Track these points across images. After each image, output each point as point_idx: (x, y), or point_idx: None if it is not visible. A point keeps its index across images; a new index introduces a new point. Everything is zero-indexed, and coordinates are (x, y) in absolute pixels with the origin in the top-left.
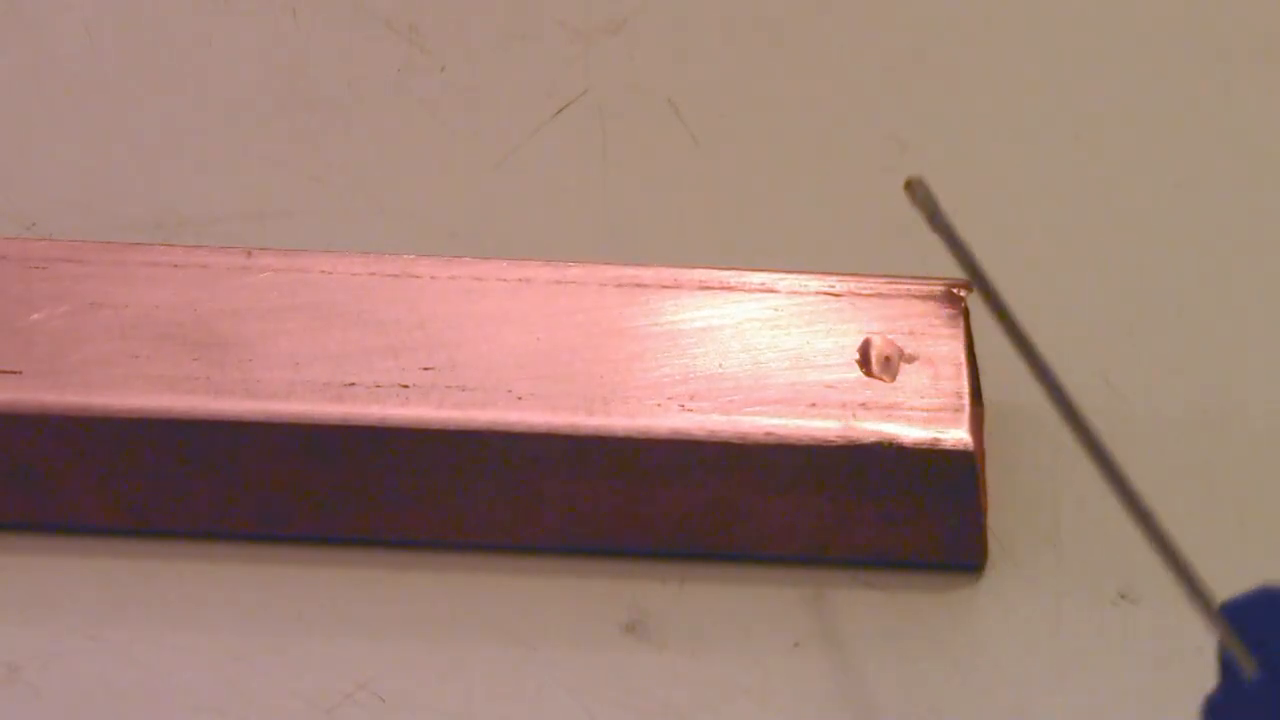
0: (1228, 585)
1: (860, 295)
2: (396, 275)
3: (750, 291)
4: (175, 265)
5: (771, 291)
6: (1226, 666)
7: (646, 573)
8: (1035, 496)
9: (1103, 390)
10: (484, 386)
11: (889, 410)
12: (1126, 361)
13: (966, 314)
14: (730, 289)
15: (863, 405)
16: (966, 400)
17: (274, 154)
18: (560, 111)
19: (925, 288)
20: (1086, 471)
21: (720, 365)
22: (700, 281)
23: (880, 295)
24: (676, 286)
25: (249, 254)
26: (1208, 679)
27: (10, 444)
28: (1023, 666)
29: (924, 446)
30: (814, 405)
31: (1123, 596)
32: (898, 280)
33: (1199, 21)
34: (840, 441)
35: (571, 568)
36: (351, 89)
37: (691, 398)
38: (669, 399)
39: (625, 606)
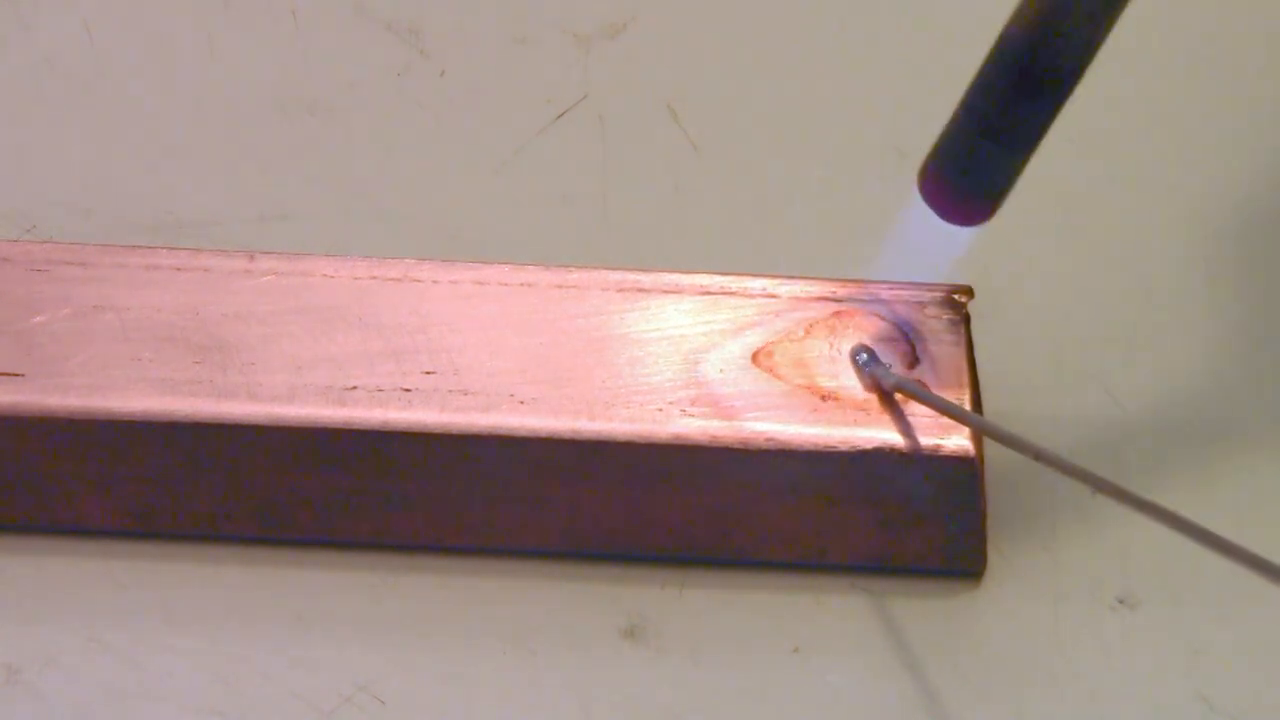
0: (1228, 590)
1: (861, 301)
2: (398, 279)
3: (751, 297)
4: (177, 268)
5: (773, 297)
6: None
7: (646, 578)
8: (1033, 503)
9: (1103, 401)
10: (485, 391)
11: (890, 416)
12: (1126, 372)
13: (967, 320)
14: (731, 294)
15: (864, 411)
16: (968, 406)
17: (275, 157)
18: (560, 116)
19: (926, 294)
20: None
21: (721, 370)
22: (702, 287)
23: (881, 301)
24: (678, 291)
25: (251, 257)
26: (1207, 684)
27: (12, 446)
28: (1021, 672)
29: (925, 453)
30: (815, 411)
31: (1121, 602)
32: (898, 286)
33: (1198, 25)
34: (842, 447)
35: (571, 572)
36: (352, 92)
37: (693, 403)
38: (670, 404)
39: (625, 611)
